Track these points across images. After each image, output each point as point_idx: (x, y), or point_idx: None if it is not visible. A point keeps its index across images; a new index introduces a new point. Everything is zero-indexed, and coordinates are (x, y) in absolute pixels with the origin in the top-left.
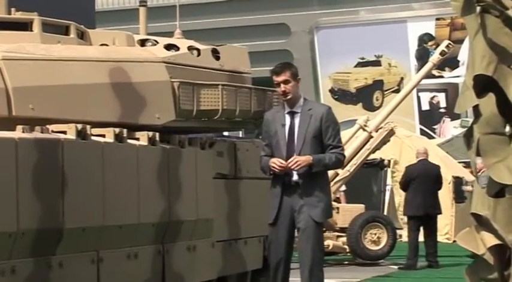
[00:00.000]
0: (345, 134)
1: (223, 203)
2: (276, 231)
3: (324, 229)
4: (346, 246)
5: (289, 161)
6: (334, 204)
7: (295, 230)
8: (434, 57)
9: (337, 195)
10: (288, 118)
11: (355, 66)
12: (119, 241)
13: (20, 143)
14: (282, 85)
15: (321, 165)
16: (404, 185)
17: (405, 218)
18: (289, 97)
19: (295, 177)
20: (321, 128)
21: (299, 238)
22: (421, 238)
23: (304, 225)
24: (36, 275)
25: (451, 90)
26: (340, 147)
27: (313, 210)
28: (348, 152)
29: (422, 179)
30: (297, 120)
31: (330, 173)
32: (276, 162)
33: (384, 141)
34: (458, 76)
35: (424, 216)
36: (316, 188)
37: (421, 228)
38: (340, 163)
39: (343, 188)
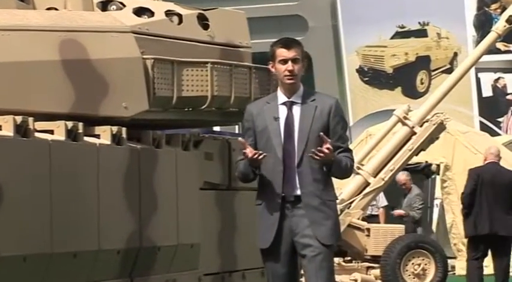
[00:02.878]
0: (378, 129)
1: (214, 223)
2: (273, 261)
3: (350, 258)
4: (379, 281)
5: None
6: (364, 224)
7: (300, 258)
8: (499, 25)
9: (371, 212)
10: (283, 110)
11: (393, 38)
12: (73, 274)
13: None
14: (291, 63)
15: (338, 168)
16: (472, 195)
17: (460, 244)
18: (294, 81)
19: (297, 190)
20: (329, 125)
21: (306, 270)
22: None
23: (312, 251)
24: None
25: None
26: (351, 151)
27: (320, 229)
28: (382, 154)
29: (493, 188)
30: (296, 113)
31: (358, 182)
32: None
33: (431, 138)
34: None
35: (492, 236)
36: (322, 203)
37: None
38: (351, 171)
39: (384, 202)
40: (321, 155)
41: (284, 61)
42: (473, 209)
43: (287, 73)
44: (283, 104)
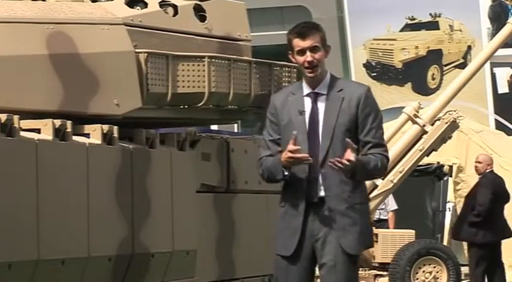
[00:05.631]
0: (387, 128)
1: (211, 228)
2: (288, 267)
3: None
4: None
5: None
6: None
7: (317, 268)
8: None
9: (379, 216)
10: (308, 102)
11: (402, 30)
12: None
13: None
14: (309, 53)
15: (364, 173)
16: (491, 204)
17: None
18: (318, 72)
19: (321, 191)
20: (357, 118)
21: (323, 279)
22: None
23: (332, 260)
24: None
25: None
26: (384, 146)
27: (345, 237)
28: (391, 154)
29: (500, 199)
30: (321, 106)
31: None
32: (292, 150)
33: (443, 138)
34: None
35: (496, 242)
36: (349, 207)
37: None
38: (384, 170)
39: (394, 205)
40: (340, 165)
41: (302, 52)
42: (491, 217)
43: (306, 65)
44: (308, 95)
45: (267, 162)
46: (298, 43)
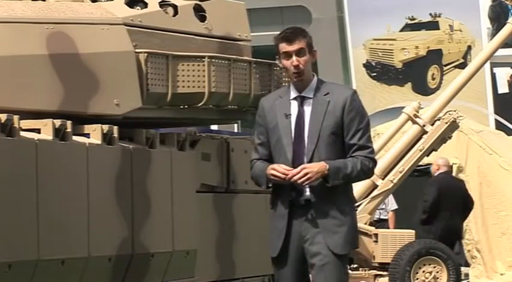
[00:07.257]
0: (386, 128)
1: (211, 228)
2: (281, 269)
3: (356, 265)
4: None
5: (295, 172)
6: (371, 229)
7: (309, 268)
8: None
9: (379, 216)
10: (294, 106)
11: (402, 30)
12: None
13: None
14: (295, 57)
15: (340, 177)
16: (435, 203)
17: (474, 250)
18: (304, 75)
19: (306, 193)
20: (343, 121)
21: (314, 279)
22: None
23: (321, 260)
24: None
25: None
26: (369, 148)
27: (332, 237)
28: (391, 154)
29: (450, 199)
30: (307, 109)
31: (366, 183)
32: (277, 169)
33: (443, 138)
34: None
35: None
36: (335, 208)
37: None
38: (369, 172)
39: (394, 205)
40: (306, 180)
41: (288, 55)
42: (437, 216)
43: (293, 70)
44: (295, 99)
45: (255, 169)
46: (285, 47)
